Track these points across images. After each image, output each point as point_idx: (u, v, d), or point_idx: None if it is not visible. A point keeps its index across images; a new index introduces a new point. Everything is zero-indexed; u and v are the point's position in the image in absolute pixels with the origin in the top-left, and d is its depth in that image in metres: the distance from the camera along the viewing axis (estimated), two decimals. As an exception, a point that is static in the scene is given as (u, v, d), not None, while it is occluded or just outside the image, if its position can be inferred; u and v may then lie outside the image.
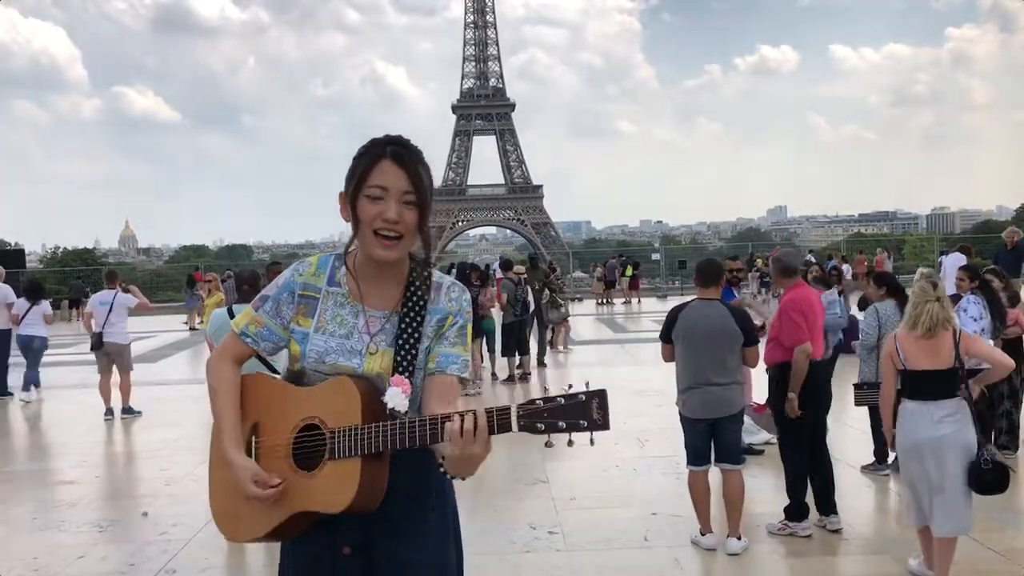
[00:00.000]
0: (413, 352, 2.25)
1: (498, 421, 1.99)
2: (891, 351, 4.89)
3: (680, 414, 5.69)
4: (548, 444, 1.96)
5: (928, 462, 4.69)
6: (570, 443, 1.94)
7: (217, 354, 2.42)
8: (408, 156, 2.21)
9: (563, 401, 1.96)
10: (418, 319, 2.27)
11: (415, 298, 2.29)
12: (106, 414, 10.77)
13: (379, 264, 2.26)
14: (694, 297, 5.79)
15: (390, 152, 2.20)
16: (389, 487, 2.22)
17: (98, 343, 10.86)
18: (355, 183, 2.21)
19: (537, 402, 1.97)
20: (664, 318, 5.90)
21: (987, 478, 4.67)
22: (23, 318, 12.26)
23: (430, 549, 2.34)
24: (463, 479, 2.13)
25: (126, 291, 11.49)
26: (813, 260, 23.41)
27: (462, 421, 1.99)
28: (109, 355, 10.88)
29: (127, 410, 10.85)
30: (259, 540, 2.34)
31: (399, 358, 2.24)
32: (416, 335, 2.26)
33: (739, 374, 5.58)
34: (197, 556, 5.65)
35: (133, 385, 11.15)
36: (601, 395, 1.95)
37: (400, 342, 2.25)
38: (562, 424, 1.95)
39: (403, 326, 2.27)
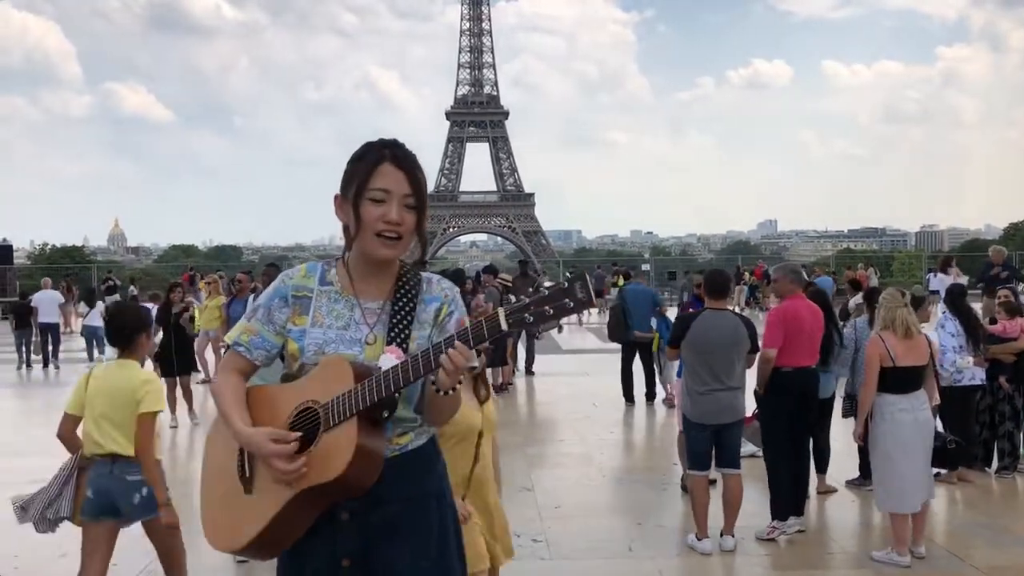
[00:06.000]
0: (405, 333, 2.28)
1: (488, 328, 2.04)
2: (881, 352, 5.37)
3: (685, 419, 5.75)
4: (537, 336, 1.97)
5: (920, 444, 5.37)
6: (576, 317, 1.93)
7: (219, 369, 2.47)
8: (408, 160, 2.28)
9: (546, 291, 2.03)
10: (410, 305, 2.31)
11: (407, 287, 2.34)
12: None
13: (374, 262, 2.31)
14: (705, 308, 5.94)
15: (390, 155, 2.26)
16: (389, 493, 2.20)
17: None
18: (357, 186, 2.25)
19: (522, 298, 2.04)
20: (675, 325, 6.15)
21: (951, 455, 5.78)
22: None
23: (433, 556, 2.29)
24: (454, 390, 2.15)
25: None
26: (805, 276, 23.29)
27: (450, 360, 2.04)
28: None
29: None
30: (257, 546, 2.28)
31: (391, 337, 2.27)
32: (408, 320, 2.30)
33: (744, 381, 5.75)
34: (179, 558, 5.60)
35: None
36: (582, 276, 2.03)
37: (392, 324, 2.28)
38: (549, 310, 2.00)
39: (395, 310, 2.30)
